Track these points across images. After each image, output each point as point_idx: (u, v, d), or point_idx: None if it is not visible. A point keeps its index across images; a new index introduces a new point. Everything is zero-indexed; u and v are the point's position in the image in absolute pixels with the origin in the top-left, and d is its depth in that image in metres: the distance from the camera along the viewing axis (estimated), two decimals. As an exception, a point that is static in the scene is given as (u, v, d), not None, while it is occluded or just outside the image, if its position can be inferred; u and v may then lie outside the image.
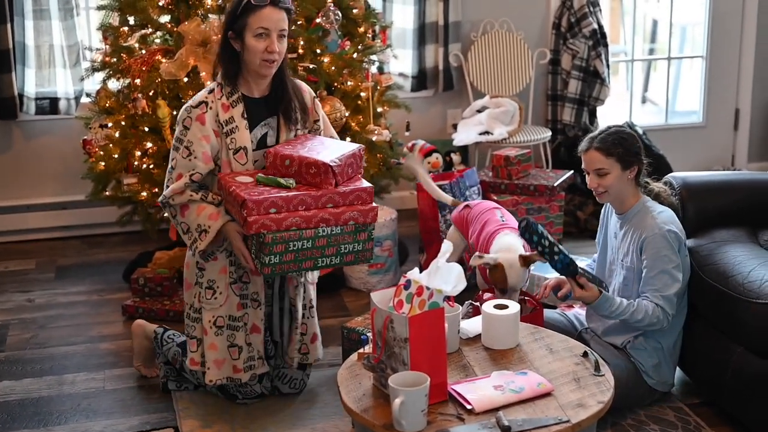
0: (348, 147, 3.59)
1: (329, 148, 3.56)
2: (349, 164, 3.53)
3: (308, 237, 3.42)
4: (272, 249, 3.38)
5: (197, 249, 3.57)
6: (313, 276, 3.95)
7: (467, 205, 4.34)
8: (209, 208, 3.55)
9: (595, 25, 5.98)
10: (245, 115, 3.61)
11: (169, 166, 3.62)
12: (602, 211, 3.98)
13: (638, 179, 3.73)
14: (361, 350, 3.02)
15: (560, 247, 3.54)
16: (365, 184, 3.53)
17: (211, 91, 3.61)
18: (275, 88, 3.68)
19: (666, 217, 3.68)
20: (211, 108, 3.58)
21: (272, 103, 3.68)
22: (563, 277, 3.64)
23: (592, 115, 6.18)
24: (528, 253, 3.70)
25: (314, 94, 3.84)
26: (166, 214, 3.71)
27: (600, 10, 6.08)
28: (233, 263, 3.68)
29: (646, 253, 3.62)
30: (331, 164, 3.42)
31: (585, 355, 3.02)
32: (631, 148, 3.68)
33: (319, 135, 3.78)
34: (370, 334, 2.90)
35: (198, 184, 3.59)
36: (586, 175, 3.75)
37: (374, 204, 3.52)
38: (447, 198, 4.66)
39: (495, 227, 3.99)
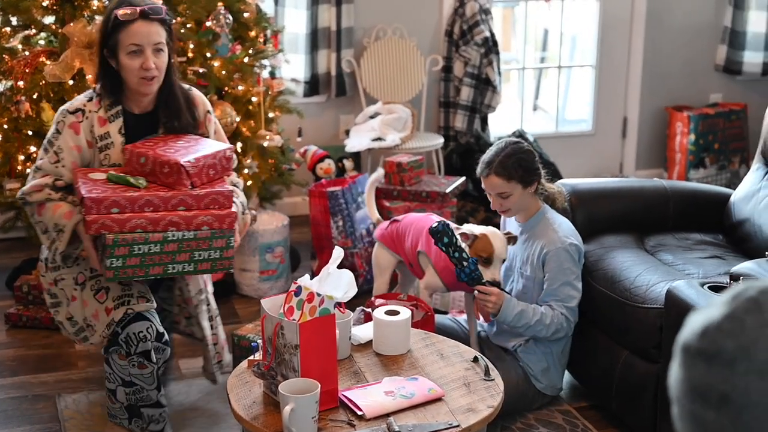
0: (213, 147, 3.36)
1: (191, 148, 3.31)
2: (210, 165, 3.28)
3: (156, 241, 3.17)
4: (114, 251, 3.15)
5: (57, 250, 3.37)
6: (205, 283, 3.75)
7: (395, 220, 4.17)
8: (64, 206, 3.33)
9: (487, 33, 6.03)
10: (123, 132, 3.42)
11: (36, 164, 3.42)
12: (501, 218, 3.99)
13: (538, 189, 3.75)
14: (251, 357, 2.99)
15: (467, 254, 3.55)
16: (226, 187, 3.27)
17: (90, 99, 3.43)
18: (160, 104, 3.48)
19: (566, 229, 3.71)
20: (87, 118, 3.39)
21: (156, 120, 3.48)
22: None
23: (484, 122, 6.23)
24: (510, 234, 3.70)
25: (209, 108, 3.61)
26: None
27: (492, 18, 6.13)
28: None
29: (548, 266, 3.65)
30: (184, 164, 3.17)
31: (475, 360, 3.03)
32: (530, 167, 3.68)
33: None
34: (260, 341, 2.87)
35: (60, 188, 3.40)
36: (488, 195, 3.74)
37: (233, 210, 3.26)
38: (374, 215, 4.44)
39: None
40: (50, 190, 3.36)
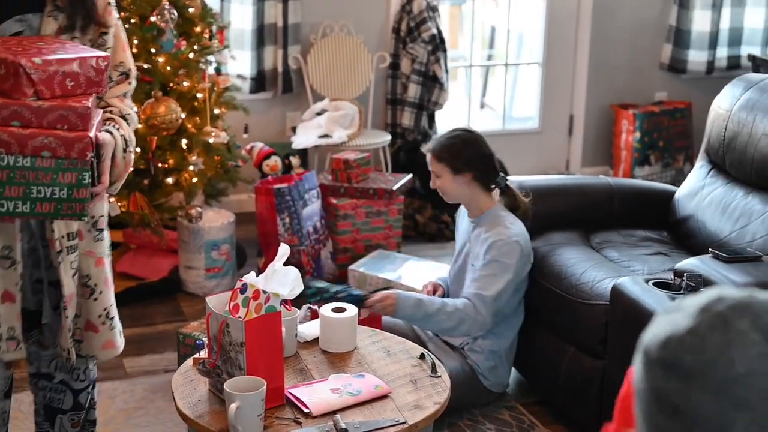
0: (80, 52, 2.46)
1: (49, 48, 2.44)
2: (69, 74, 2.40)
3: None
4: None
5: None
6: (98, 248, 2.74)
7: None
8: None
9: (434, 30, 6.03)
10: None
11: None
12: (456, 216, 4.01)
13: (485, 185, 3.75)
14: (196, 355, 2.96)
15: (337, 287, 3.56)
16: (84, 103, 2.39)
17: None
18: None
19: (516, 229, 3.71)
20: None
21: None
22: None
23: (432, 120, 6.24)
24: None
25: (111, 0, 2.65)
26: None
27: (439, 15, 6.14)
28: None
29: (487, 255, 3.65)
30: (23, 64, 2.33)
31: (422, 357, 3.02)
32: (459, 155, 3.70)
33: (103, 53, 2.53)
34: (205, 339, 2.84)
35: None
36: None
37: (89, 134, 2.38)
38: None
39: None
40: None
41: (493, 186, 3.79)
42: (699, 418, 1.12)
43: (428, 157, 3.76)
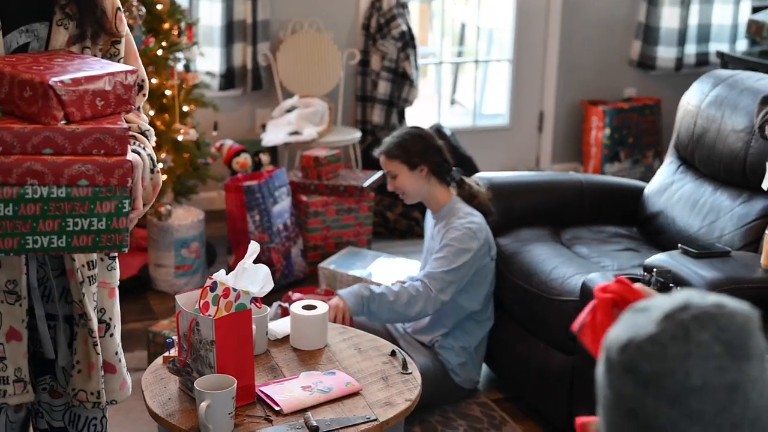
0: (106, 67, 2.24)
1: (72, 66, 2.21)
2: (99, 93, 2.18)
3: (7, 199, 2.10)
4: None
5: None
6: (112, 278, 2.51)
7: None
8: None
9: (404, 27, 6.03)
10: None
11: None
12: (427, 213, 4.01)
13: (442, 178, 3.77)
14: (166, 354, 2.94)
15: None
16: (120, 124, 2.17)
17: None
18: None
19: (473, 219, 3.72)
20: None
21: (45, 2, 2.34)
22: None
23: (402, 117, 6.23)
24: None
25: (119, 4, 2.45)
26: None
27: (409, 12, 6.13)
28: None
29: (443, 242, 3.68)
30: (53, 84, 2.09)
31: (393, 353, 3.02)
32: (412, 149, 3.75)
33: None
34: (175, 338, 2.83)
35: None
36: None
37: (129, 158, 2.16)
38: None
39: None
40: None
41: (449, 179, 3.81)
42: (653, 425, 1.12)
43: (381, 159, 3.81)
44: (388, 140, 3.82)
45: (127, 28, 2.47)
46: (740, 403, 1.10)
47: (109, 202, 2.16)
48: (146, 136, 2.43)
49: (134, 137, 2.35)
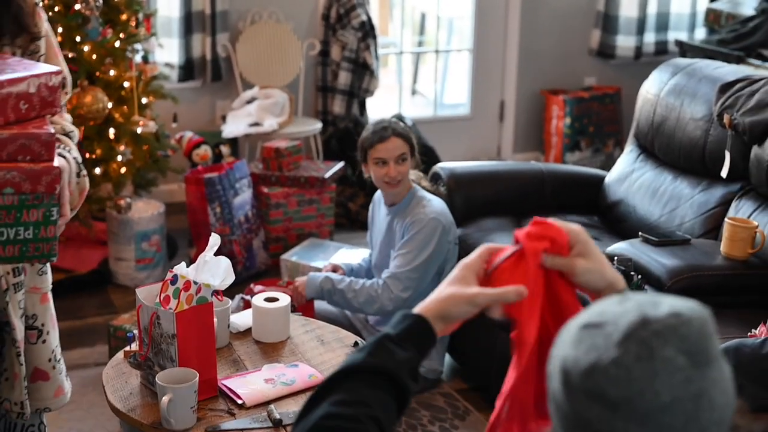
0: (31, 68, 2.11)
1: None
2: (22, 95, 2.05)
3: None
4: None
5: None
6: (43, 282, 2.46)
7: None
8: None
9: (364, 17, 6.01)
10: None
11: None
12: (370, 207, 3.99)
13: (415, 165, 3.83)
14: (127, 348, 2.92)
15: None
16: (47, 129, 2.06)
17: None
18: None
19: (435, 205, 3.72)
20: None
21: None
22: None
23: (363, 107, 6.22)
24: None
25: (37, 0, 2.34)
26: None
27: (369, 1, 6.12)
28: None
29: (406, 235, 3.67)
30: None
31: (356, 345, 3.01)
32: (413, 135, 3.81)
33: (37, 61, 2.26)
34: (136, 332, 2.81)
35: None
36: (377, 167, 3.70)
37: (56, 164, 2.05)
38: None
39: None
40: None
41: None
42: None
43: (395, 141, 3.67)
44: (394, 125, 3.72)
45: (47, 24, 2.35)
46: (706, 409, 1.10)
47: (36, 210, 2.06)
48: (70, 138, 2.31)
49: (58, 140, 2.21)
